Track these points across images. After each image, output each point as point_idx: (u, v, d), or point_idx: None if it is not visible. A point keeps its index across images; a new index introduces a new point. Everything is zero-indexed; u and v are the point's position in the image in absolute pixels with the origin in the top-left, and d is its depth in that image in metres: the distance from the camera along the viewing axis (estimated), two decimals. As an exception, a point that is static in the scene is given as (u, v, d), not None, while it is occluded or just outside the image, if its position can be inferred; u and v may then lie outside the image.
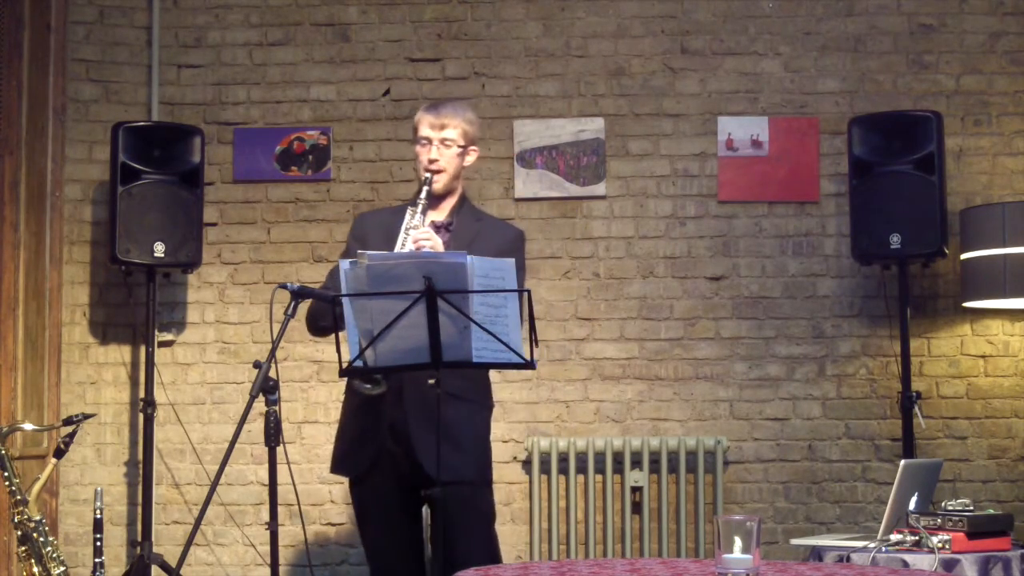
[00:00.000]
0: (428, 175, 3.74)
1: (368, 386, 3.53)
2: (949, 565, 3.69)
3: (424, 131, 3.79)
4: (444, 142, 3.77)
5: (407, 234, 3.63)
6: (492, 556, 3.76)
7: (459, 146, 3.79)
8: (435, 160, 3.76)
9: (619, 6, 5.38)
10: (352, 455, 3.79)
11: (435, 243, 3.62)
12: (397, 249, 3.58)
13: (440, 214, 3.83)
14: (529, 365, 3.31)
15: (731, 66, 5.34)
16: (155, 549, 4.99)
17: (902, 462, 4.04)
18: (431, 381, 3.43)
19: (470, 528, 3.71)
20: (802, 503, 5.18)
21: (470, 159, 3.87)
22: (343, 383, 5.11)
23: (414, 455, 3.62)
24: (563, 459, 5.09)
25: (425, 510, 3.85)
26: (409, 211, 3.69)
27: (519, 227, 4.07)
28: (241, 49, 5.41)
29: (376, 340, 3.26)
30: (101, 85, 5.35)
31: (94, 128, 5.30)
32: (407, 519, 3.79)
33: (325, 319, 3.62)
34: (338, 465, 3.87)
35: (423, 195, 3.71)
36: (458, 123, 3.79)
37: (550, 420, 5.23)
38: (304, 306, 3.73)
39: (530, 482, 5.11)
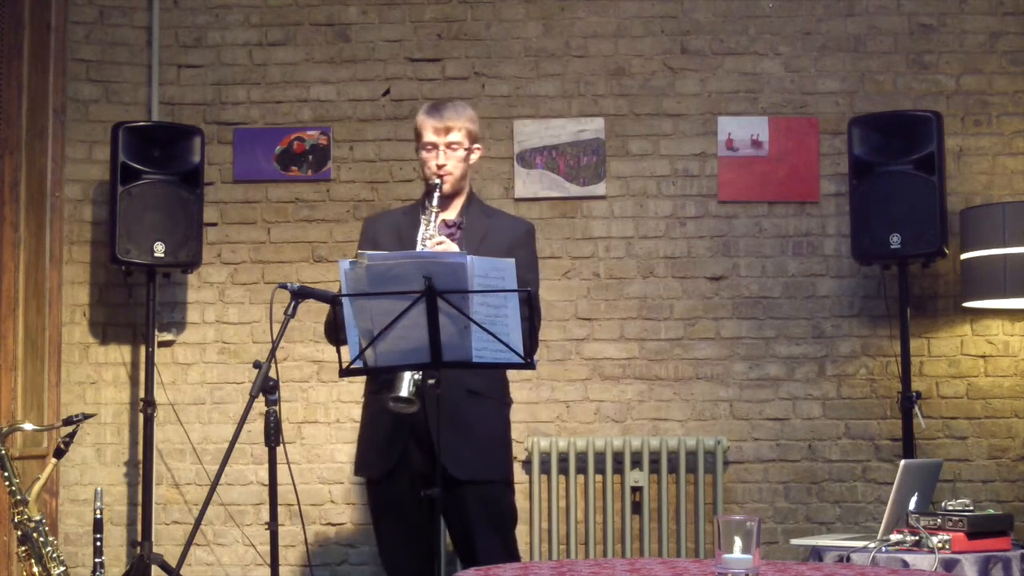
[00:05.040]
0: (438, 181, 3.75)
1: (402, 404, 3.50)
2: (949, 565, 3.69)
3: (429, 136, 3.79)
4: (450, 146, 3.79)
5: (424, 246, 3.64)
6: (511, 557, 3.75)
7: (465, 148, 3.80)
8: (443, 165, 3.77)
9: (619, 6, 5.38)
10: (376, 457, 3.78)
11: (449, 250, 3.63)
12: None
13: (451, 213, 3.85)
14: (529, 365, 3.31)
15: (731, 66, 5.34)
16: (155, 549, 4.99)
17: (902, 462, 4.04)
18: (431, 381, 3.43)
19: (489, 529, 3.71)
20: (802, 503, 5.18)
21: (475, 157, 3.89)
22: (343, 383, 5.17)
23: (434, 454, 3.59)
24: (563, 459, 5.09)
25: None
26: (423, 220, 3.70)
27: (529, 221, 4.10)
28: (241, 49, 5.41)
29: (376, 340, 3.26)
30: (101, 85, 5.34)
31: (94, 128, 5.30)
32: (422, 520, 3.74)
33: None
34: (362, 467, 3.87)
35: (434, 202, 3.71)
36: (462, 124, 3.80)
37: (550, 420, 5.23)
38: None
39: (530, 482, 5.11)
